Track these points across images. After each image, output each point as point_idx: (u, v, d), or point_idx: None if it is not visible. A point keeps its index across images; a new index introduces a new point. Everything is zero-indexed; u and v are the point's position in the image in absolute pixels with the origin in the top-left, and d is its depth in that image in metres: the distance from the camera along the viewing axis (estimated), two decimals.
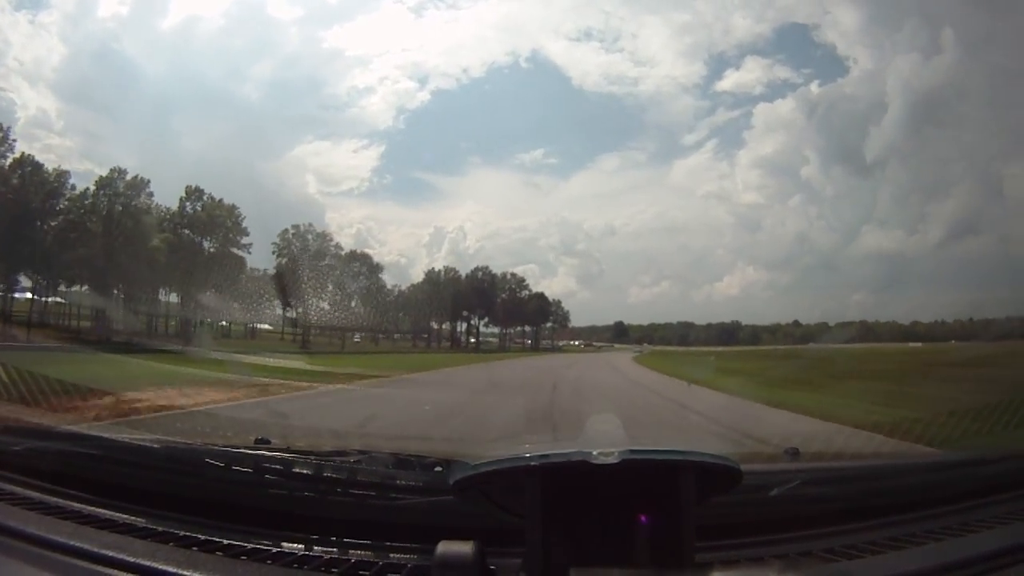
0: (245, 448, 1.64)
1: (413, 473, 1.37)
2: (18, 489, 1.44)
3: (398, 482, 1.34)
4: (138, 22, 44.34)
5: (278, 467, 1.39)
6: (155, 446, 1.62)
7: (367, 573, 1.11)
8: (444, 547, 0.98)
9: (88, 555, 1.13)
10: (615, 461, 0.94)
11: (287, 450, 1.65)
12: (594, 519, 1.01)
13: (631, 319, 54.98)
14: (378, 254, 42.03)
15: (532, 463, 0.98)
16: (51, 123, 37.49)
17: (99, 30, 38.46)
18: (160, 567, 1.08)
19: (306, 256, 36.04)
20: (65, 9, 42.90)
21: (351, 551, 1.18)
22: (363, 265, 39.50)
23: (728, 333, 51.34)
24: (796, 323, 48.04)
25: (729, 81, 48.83)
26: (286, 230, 36.59)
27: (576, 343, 51.75)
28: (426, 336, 44.19)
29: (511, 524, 1.03)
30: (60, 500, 1.39)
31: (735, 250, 50.88)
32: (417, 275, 46.50)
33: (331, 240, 38.17)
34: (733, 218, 55.22)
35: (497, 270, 46.44)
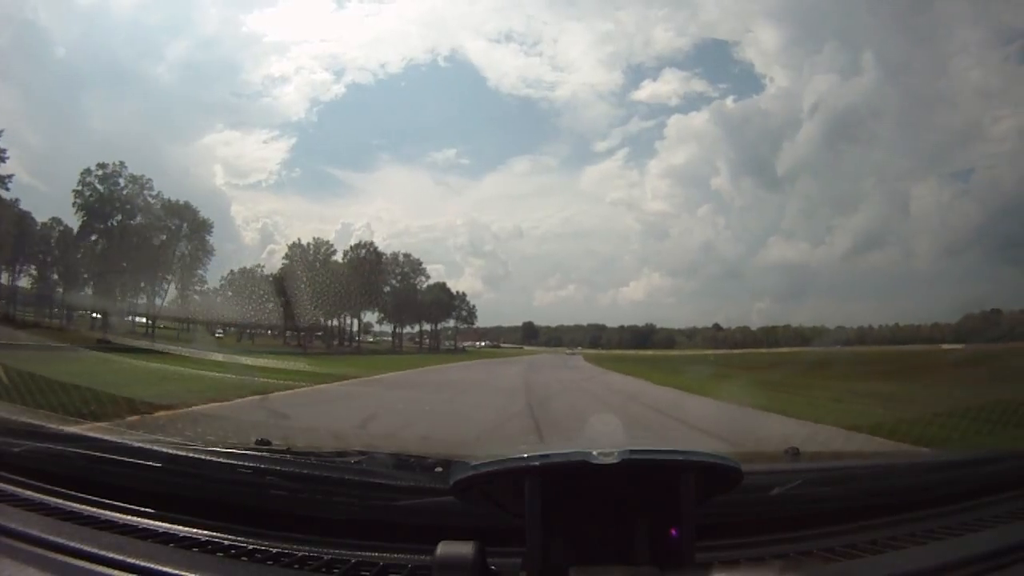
0: (246, 449, 1.64)
1: (413, 474, 1.37)
2: (18, 490, 1.44)
3: (398, 483, 1.34)
4: None
5: (279, 468, 1.39)
6: (156, 447, 1.62)
7: (368, 573, 1.11)
8: (444, 547, 0.98)
9: (89, 556, 1.12)
10: (615, 461, 0.95)
11: (288, 451, 1.65)
12: (594, 519, 1.02)
13: (538, 321, 54.85)
14: (283, 249, 38.11)
15: (532, 463, 0.98)
16: None
17: None
18: (161, 568, 1.08)
19: (114, 207, 27.42)
20: None
21: (352, 551, 1.18)
22: (186, 222, 30.15)
23: (642, 336, 51.42)
24: (717, 327, 48.99)
25: (645, 91, 50.24)
26: (87, 170, 27.94)
27: (480, 344, 49.75)
28: (298, 333, 35.37)
29: (511, 524, 1.03)
30: (60, 501, 1.39)
31: (642, 256, 51.89)
32: None
33: (148, 187, 29.36)
34: (641, 225, 55.72)
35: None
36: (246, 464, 1.42)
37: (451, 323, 44.87)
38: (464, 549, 0.97)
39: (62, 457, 1.55)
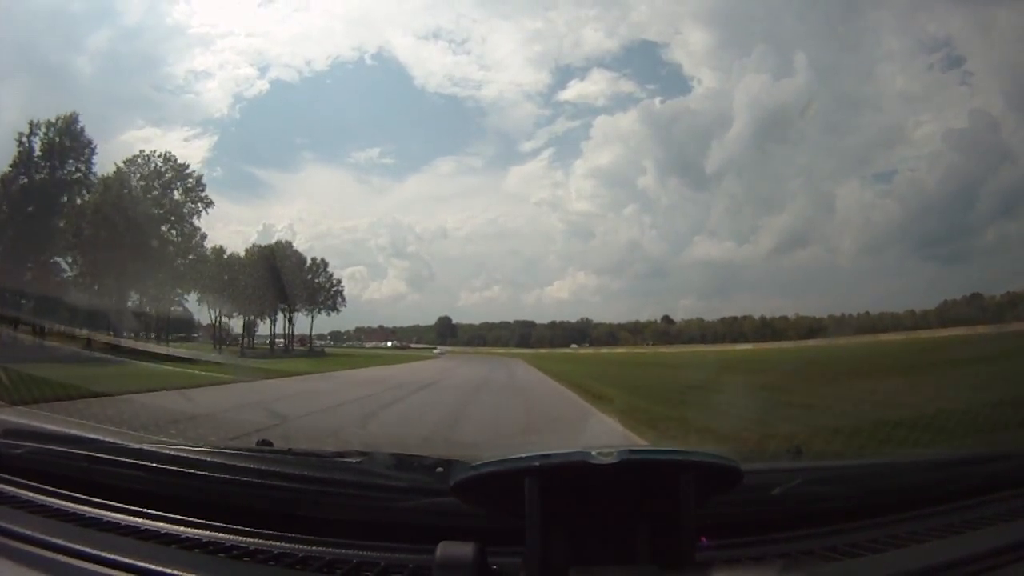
0: (247, 450, 1.65)
1: (414, 474, 1.38)
2: (20, 492, 1.44)
3: (399, 483, 1.34)
4: None
5: (280, 468, 1.40)
6: (157, 448, 1.62)
7: (369, 574, 1.11)
8: (444, 547, 0.98)
9: (90, 557, 1.13)
10: (614, 461, 0.95)
11: (289, 451, 1.65)
12: (594, 519, 1.02)
13: (462, 320, 52.80)
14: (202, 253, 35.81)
15: (532, 464, 0.98)
16: None
17: None
18: (163, 569, 1.08)
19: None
20: None
21: (352, 552, 1.18)
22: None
23: (578, 332, 48.80)
24: (667, 319, 47.14)
25: (573, 91, 50.30)
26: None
27: (388, 344, 46.62)
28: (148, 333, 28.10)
29: (511, 524, 1.02)
30: (62, 502, 1.39)
31: (566, 256, 51.52)
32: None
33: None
34: (565, 225, 55.52)
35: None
36: (248, 465, 1.42)
37: (318, 311, 38.69)
38: (464, 549, 0.97)
39: (64, 458, 1.55)
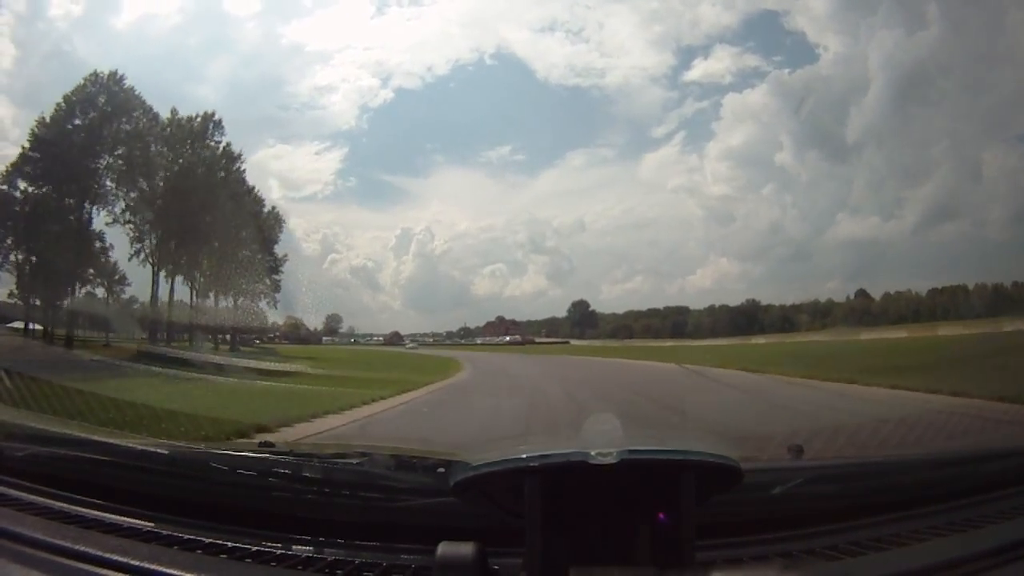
0: (248, 451, 1.65)
1: (414, 474, 1.38)
2: (22, 494, 1.45)
3: (399, 483, 1.34)
4: (89, 22, 40.47)
5: (281, 470, 1.40)
6: (159, 450, 1.62)
7: (370, 574, 1.11)
8: (445, 548, 0.98)
9: (92, 559, 1.13)
10: (614, 461, 0.95)
11: (290, 453, 1.66)
12: (594, 519, 1.02)
13: (604, 310, 47.06)
14: (345, 258, 38.29)
15: (532, 463, 0.98)
16: (6, 131, 35.49)
17: (49, 30, 34.91)
18: (164, 570, 1.09)
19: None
20: (16, 9, 38.38)
21: (354, 552, 1.18)
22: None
23: (746, 317, 38.11)
24: (863, 294, 36.35)
25: (698, 71, 46.26)
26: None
27: (408, 343, 39.92)
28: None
29: (512, 524, 1.03)
30: (64, 504, 1.39)
31: (707, 242, 48.02)
32: (385, 280, 40.78)
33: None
34: (704, 211, 51.52)
35: (466, 271, 39.14)
36: (249, 466, 1.43)
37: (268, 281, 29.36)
38: (465, 549, 0.97)
39: (65, 461, 1.55)
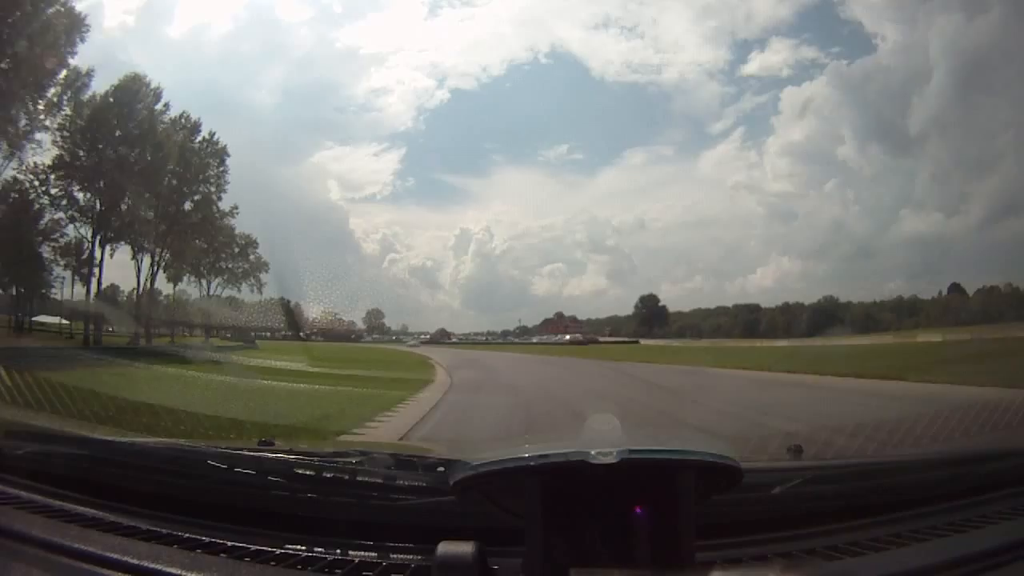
0: (248, 450, 1.65)
1: (414, 473, 1.38)
2: (23, 493, 1.45)
3: (399, 482, 1.34)
4: (144, 31, 42.25)
5: (281, 468, 1.40)
6: (158, 448, 1.62)
7: (370, 574, 1.11)
8: (445, 547, 0.98)
9: (92, 558, 1.13)
10: (614, 461, 0.95)
11: (289, 451, 1.66)
12: (594, 519, 1.02)
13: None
14: (404, 258, 38.09)
15: (532, 463, 0.98)
16: None
17: (105, 41, 36.64)
18: (164, 569, 1.09)
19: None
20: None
21: (353, 552, 1.18)
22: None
23: (825, 315, 33.64)
24: (957, 288, 32.48)
25: (754, 64, 46.52)
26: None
27: (413, 341, 37.09)
28: None
29: (511, 524, 1.03)
30: (64, 503, 1.39)
31: (768, 240, 46.70)
32: (444, 279, 40.93)
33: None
34: (764, 208, 50.97)
35: (525, 270, 38.89)
36: (248, 465, 1.43)
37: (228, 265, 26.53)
38: (464, 549, 0.97)
39: (66, 459, 1.56)
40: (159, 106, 27.18)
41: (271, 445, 1.75)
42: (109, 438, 1.83)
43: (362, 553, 1.18)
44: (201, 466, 1.44)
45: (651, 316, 38.45)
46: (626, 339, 37.53)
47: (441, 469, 1.28)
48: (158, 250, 27.37)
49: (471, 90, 47.22)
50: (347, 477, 1.36)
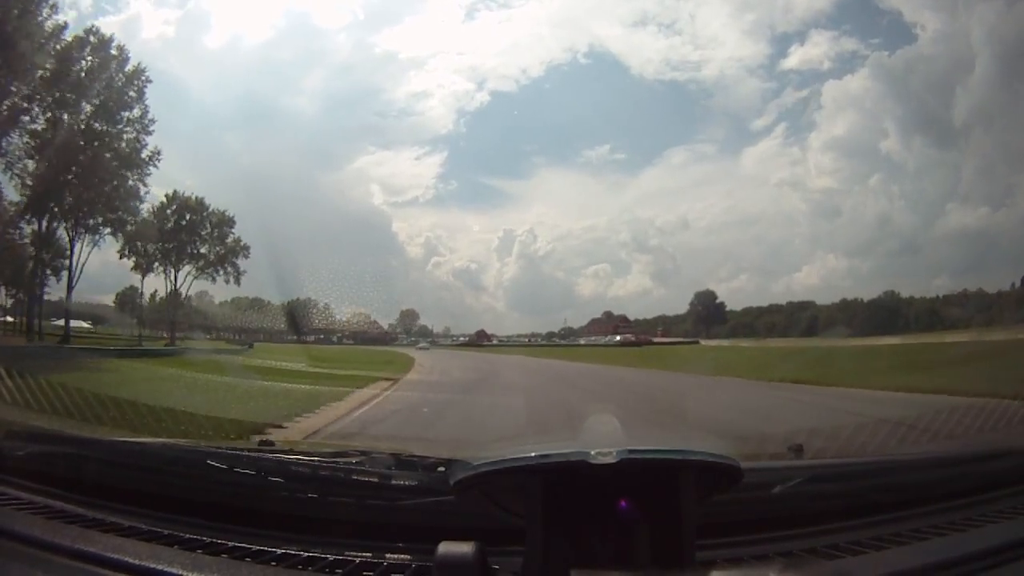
0: (248, 450, 1.65)
1: (414, 473, 1.38)
2: (23, 493, 1.45)
3: (399, 483, 1.34)
4: (183, 41, 41.25)
5: (281, 469, 1.40)
6: (159, 449, 1.62)
7: (371, 574, 1.11)
8: (445, 547, 0.98)
9: (93, 558, 1.13)
10: (614, 461, 0.94)
11: (290, 452, 1.66)
12: (595, 519, 1.02)
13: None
14: (448, 261, 38.82)
15: (532, 463, 0.98)
16: None
17: (144, 51, 36.39)
18: (165, 569, 1.09)
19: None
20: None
21: (354, 552, 1.18)
22: None
23: (887, 312, 30.72)
24: None
25: (795, 58, 44.06)
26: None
27: (420, 344, 33.81)
28: None
29: (512, 524, 1.03)
30: (64, 504, 1.39)
31: (813, 238, 44.58)
32: (488, 281, 40.69)
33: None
34: (808, 205, 48.96)
35: (570, 272, 37.98)
36: (249, 465, 1.42)
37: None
38: (465, 549, 0.97)
39: (66, 460, 1.55)
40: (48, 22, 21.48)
41: (271, 445, 1.75)
42: (109, 438, 1.83)
43: (362, 554, 1.18)
44: (201, 466, 1.44)
45: (708, 314, 34.22)
46: (684, 339, 33.47)
47: (441, 469, 1.28)
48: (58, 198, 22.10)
49: (511, 92, 45.73)
50: (347, 477, 1.36)
